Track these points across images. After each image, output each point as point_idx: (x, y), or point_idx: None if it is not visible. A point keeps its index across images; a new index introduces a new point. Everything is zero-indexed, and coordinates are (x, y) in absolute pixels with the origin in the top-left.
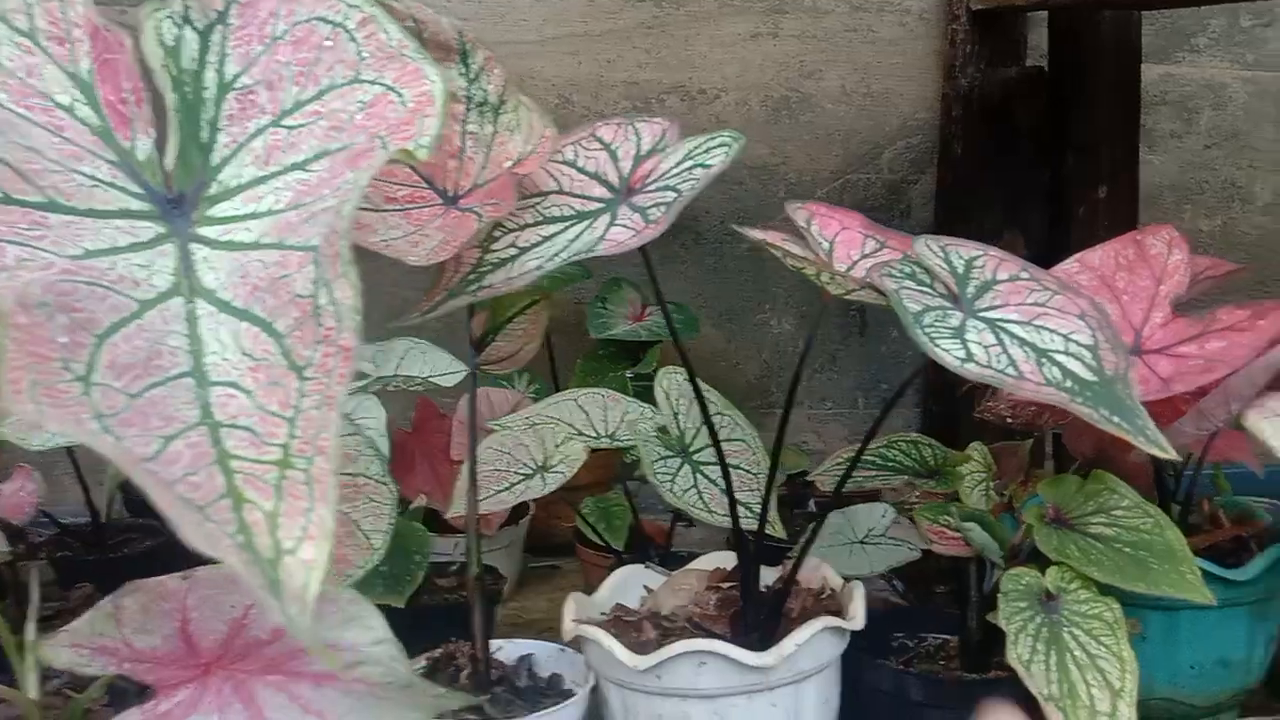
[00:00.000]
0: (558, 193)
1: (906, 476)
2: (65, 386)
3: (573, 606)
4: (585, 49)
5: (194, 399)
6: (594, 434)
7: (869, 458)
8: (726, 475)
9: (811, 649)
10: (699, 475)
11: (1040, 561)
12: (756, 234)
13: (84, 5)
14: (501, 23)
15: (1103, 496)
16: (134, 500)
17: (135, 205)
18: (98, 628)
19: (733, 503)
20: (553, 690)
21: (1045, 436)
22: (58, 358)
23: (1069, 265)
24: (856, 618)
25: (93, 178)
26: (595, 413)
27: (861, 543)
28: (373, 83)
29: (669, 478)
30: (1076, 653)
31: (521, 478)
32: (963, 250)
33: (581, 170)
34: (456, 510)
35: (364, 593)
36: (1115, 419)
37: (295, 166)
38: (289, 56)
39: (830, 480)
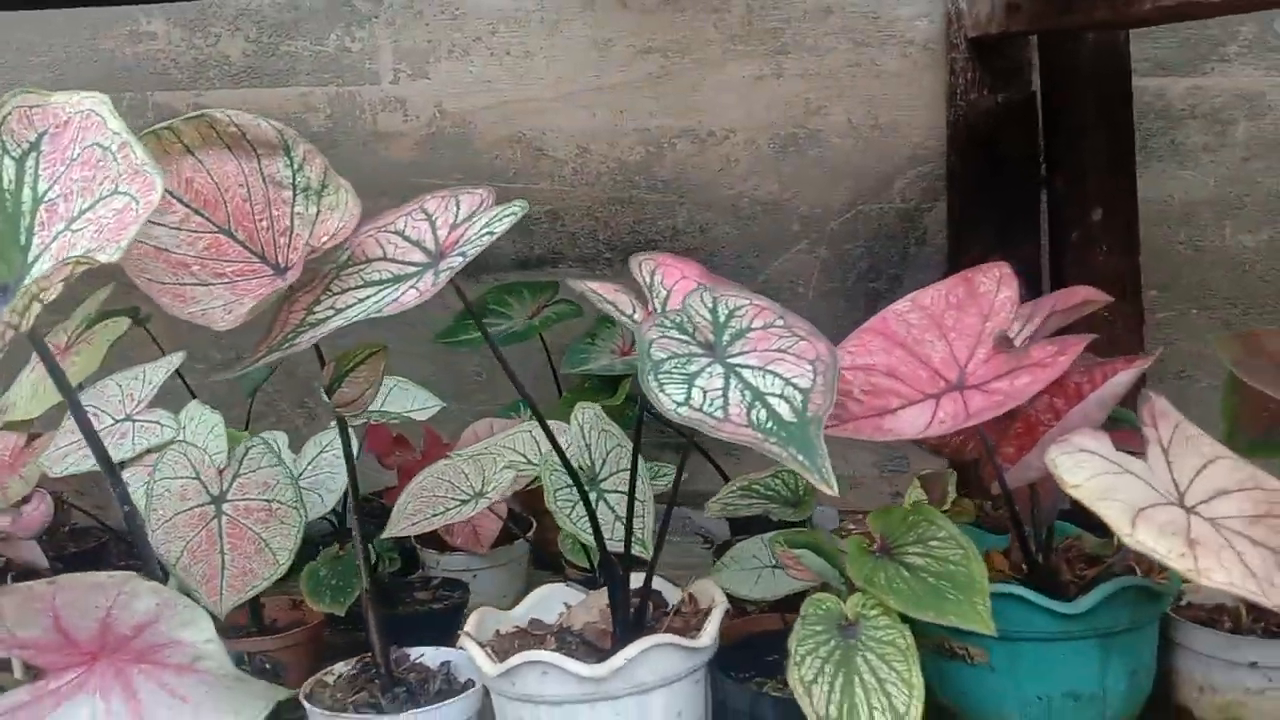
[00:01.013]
0: (382, 259)
1: (778, 505)
2: None
3: (476, 619)
4: (599, 101)
5: None
6: (534, 464)
7: (756, 486)
8: (586, 503)
9: (650, 663)
10: (602, 503)
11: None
12: (584, 285)
13: None
14: (521, 81)
15: (922, 527)
16: None
17: None
18: None
19: (594, 522)
20: (451, 691)
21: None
22: None
23: (902, 305)
24: (704, 637)
25: None
26: (545, 444)
27: (773, 568)
28: (124, 194)
29: (570, 505)
30: (866, 676)
31: (457, 503)
32: (730, 300)
33: (406, 238)
34: (391, 532)
35: (315, 600)
36: (800, 457)
37: (69, 262)
38: (79, 174)
39: (721, 510)
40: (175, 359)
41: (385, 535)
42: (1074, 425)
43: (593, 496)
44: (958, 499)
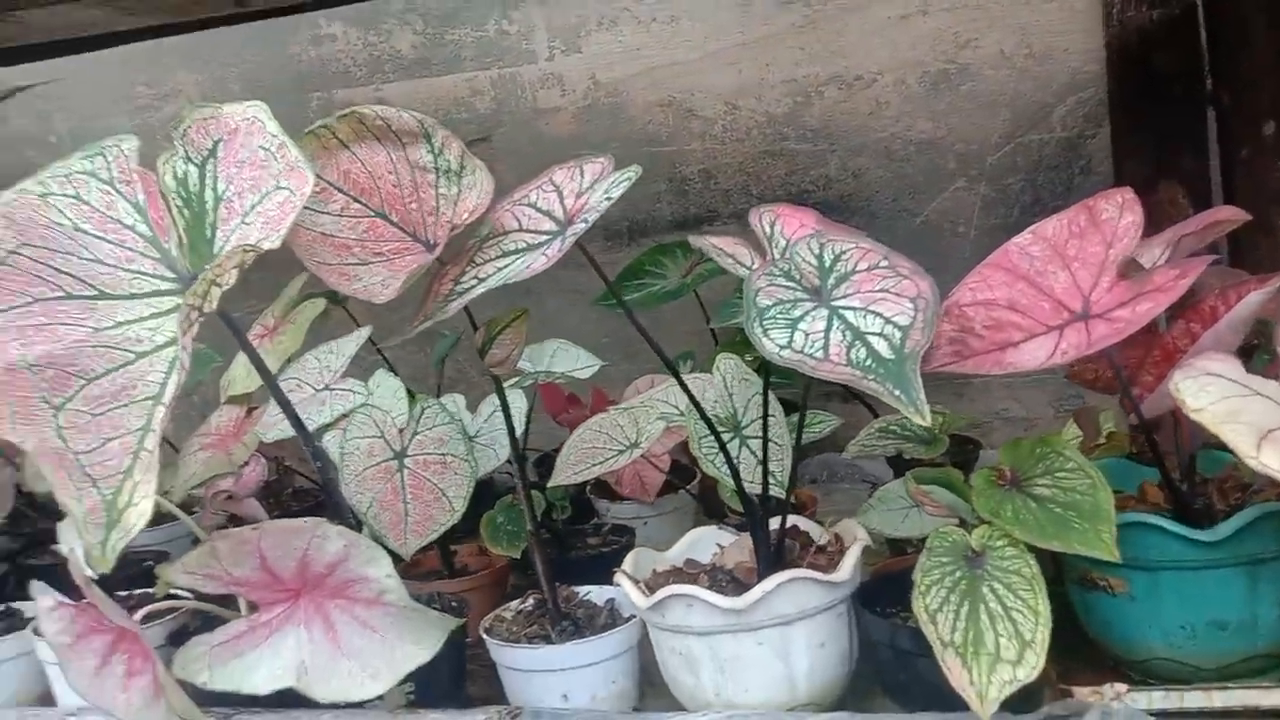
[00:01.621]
0: (518, 230)
1: (911, 444)
2: (37, 413)
3: (633, 558)
4: (744, 57)
5: (145, 413)
6: (681, 414)
7: (892, 427)
8: (727, 454)
9: (789, 596)
10: (744, 449)
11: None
12: (704, 241)
13: (137, 159)
14: (668, 45)
15: (1050, 459)
16: None
17: (164, 286)
18: (203, 561)
19: (732, 465)
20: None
21: None
22: (39, 395)
23: (1023, 238)
24: (841, 571)
25: (138, 271)
26: (698, 393)
27: (919, 507)
28: (284, 188)
29: (714, 452)
30: (992, 604)
31: (614, 453)
32: (836, 245)
33: (538, 209)
34: (555, 481)
35: (493, 546)
36: (896, 392)
37: (246, 249)
38: (248, 174)
39: (859, 451)
40: (363, 333)
41: (551, 484)
42: (1206, 348)
43: (736, 443)
44: (1113, 432)
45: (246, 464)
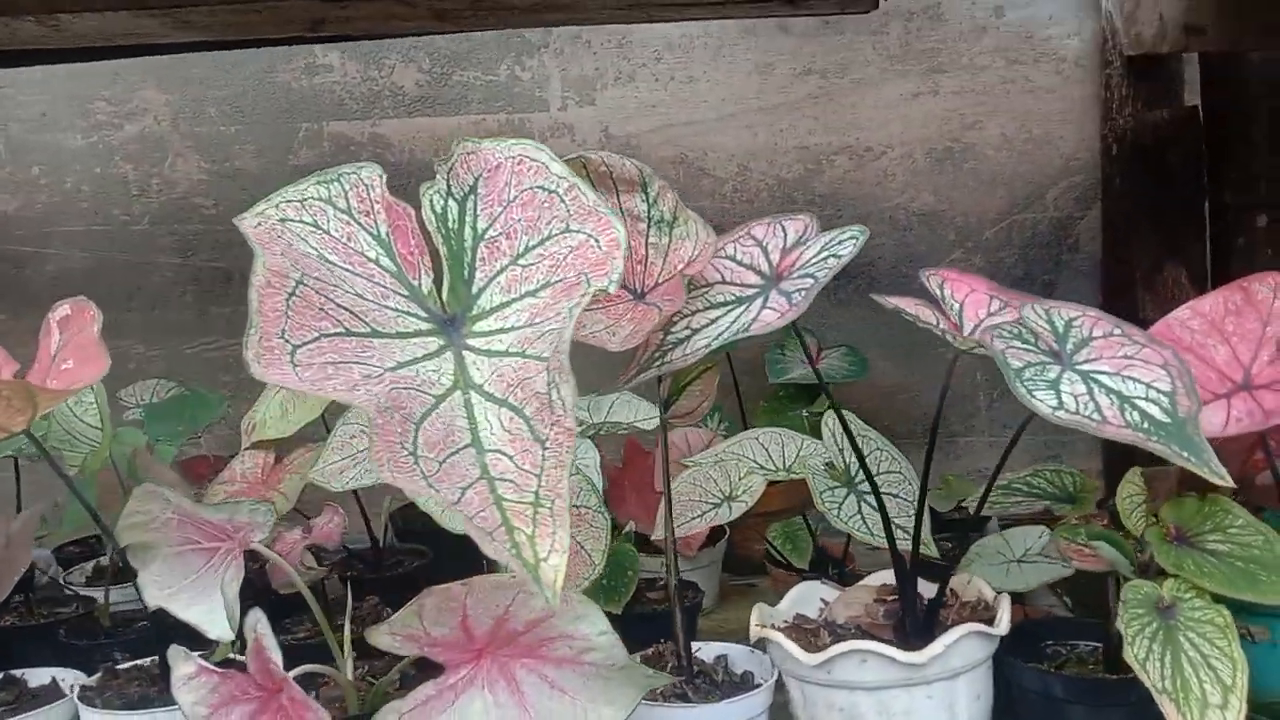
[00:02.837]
0: (721, 283)
1: (1047, 503)
2: (404, 460)
3: (758, 614)
4: (760, 121)
5: (475, 462)
6: (773, 468)
7: (1017, 485)
8: (880, 502)
9: (961, 650)
10: (862, 503)
11: (1165, 576)
12: (893, 301)
13: (380, 188)
14: (685, 105)
15: (1218, 517)
16: (401, 529)
17: (423, 326)
18: (407, 621)
19: (888, 525)
20: (745, 684)
21: None
22: (398, 441)
23: (1181, 313)
24: (1002, 623)
25: (395, 309)
26: (774, 449)
27: (1019, 561)
28: (578, 232)
29: (836, 505)
30: (1190, 653)
31: (711, 506)
32: (1064, 312)
33: (739, 263)
34: (659, 534)
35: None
36: (1184, 454)
37: (529, 294)
38: (520, 214)
39: (986, 508)
40: None
41: (655, 537)
42: None
43: (852, 498)
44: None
45: (321, 514)
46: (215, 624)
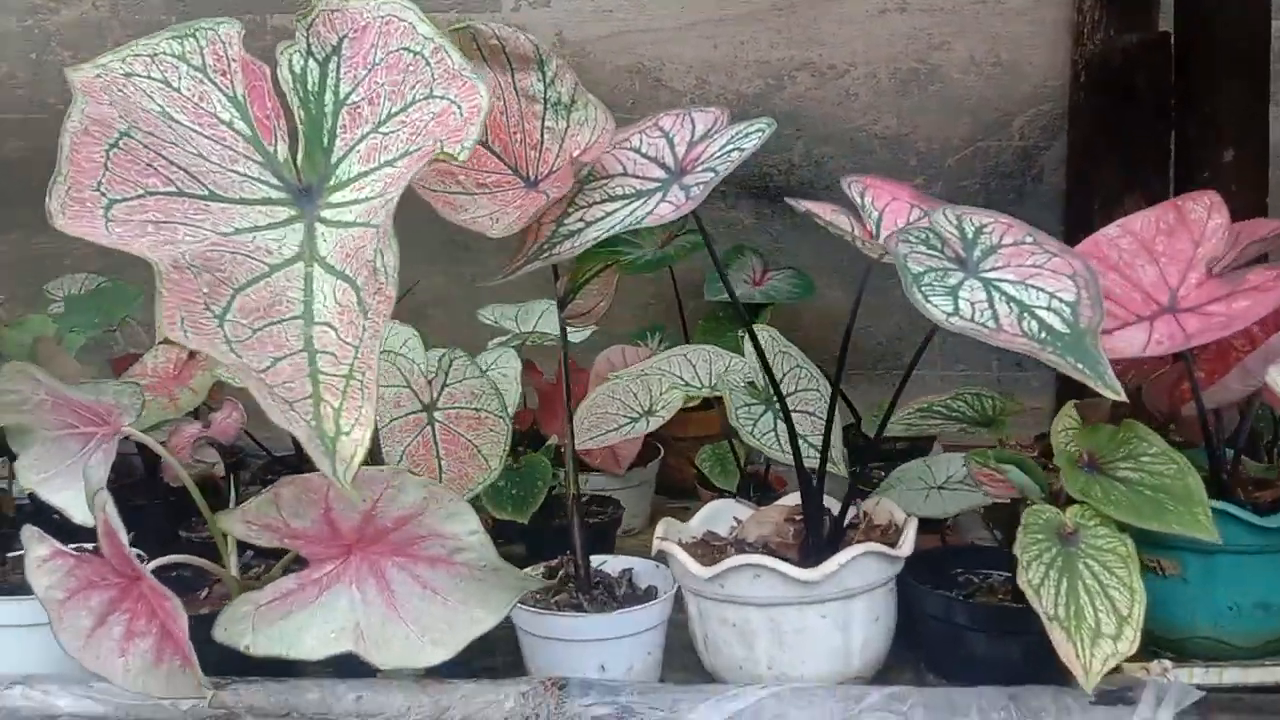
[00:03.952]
0: (623, 175)
1: (963, 425)
2: (205, 321)
3: (662, 528)
4: (720, 33)
5: (300, 334)
6: (698, 384)
7: (937, 407)
8: (787, 416)
9: (857, 569)
10: (778, 421)
11: (1073, 504)
12: (805, 205)
13: (238, 46)
14: (643, 13)
15: (1132, 444)
16: None
17: (274, 194)
18: (262, 509)
19: (794, 440)
20: (648, 597)
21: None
22: (203, 302)
23: (1110, 230)
24: (905, 545)
25: (244, 174)
26: (701, 366)
27: (939, 488)
28: (441, 97)
29: (751, 422)
30: (1088, 581)
31: (629, 420)
32: (974, 218)
33: (643, 155)
34: (579, 445)
35: (496, 509)
36: (1079, 366)
37: (386, 164)
38: (384, 78)
39: (904, 429)
40: None
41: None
42: (1277, 348)
43: (769, 416)
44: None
45: (220, 409)
46: (80, 508)
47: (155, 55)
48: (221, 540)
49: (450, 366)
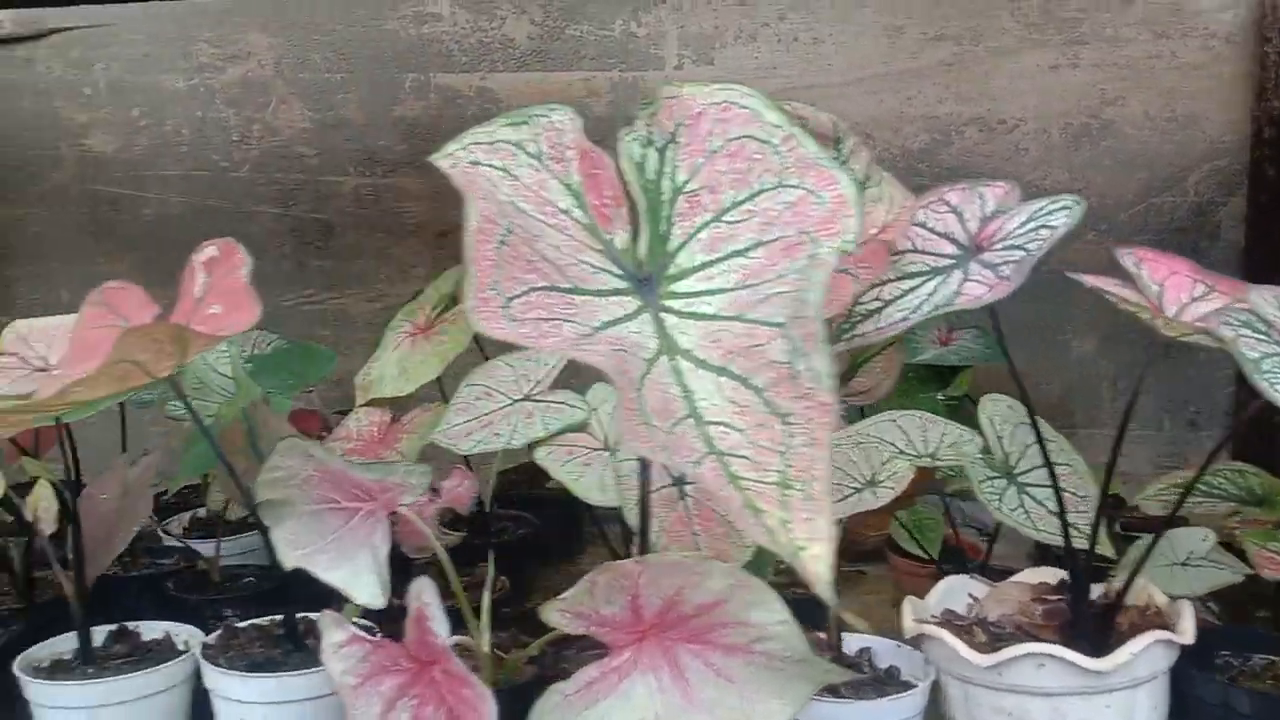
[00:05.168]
0: (912, 251)
1: (1232, 504)
2: (639, 427)
3: (911, 609)
4: (886, 88)
5: (698, 434)
6: (915, 453)
7: (1200, 485)
8: (1059, 496)
9: (1146, 658)
10: (1024, 496)
11: None
12: (1092, 281)
13: (573, 133)
14: (809, 68)
15: None
16: (497, 495)
17: (619, 284)
18: (579, 599)
19: (1064, 519)
20: (891, 680)
21: None
22: (634, 407)
23: None
24: (1187, 633)
25: (589, 265)
26: (915, 433)
27: (1183, 564)
28: (795, 186)
29: (996, 496)
30: None
31: (854, 490)
32: None
33: (932, 230)
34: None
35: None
36: None
37: (736, 254)
38: (726, 166)
39: (1159, 505)
40: None
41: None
42: None
43: (1013, 490)
44: None
45: (449, 477)
46: (362, 587)
47: (494, 143)
48: (471, 614)
49: None
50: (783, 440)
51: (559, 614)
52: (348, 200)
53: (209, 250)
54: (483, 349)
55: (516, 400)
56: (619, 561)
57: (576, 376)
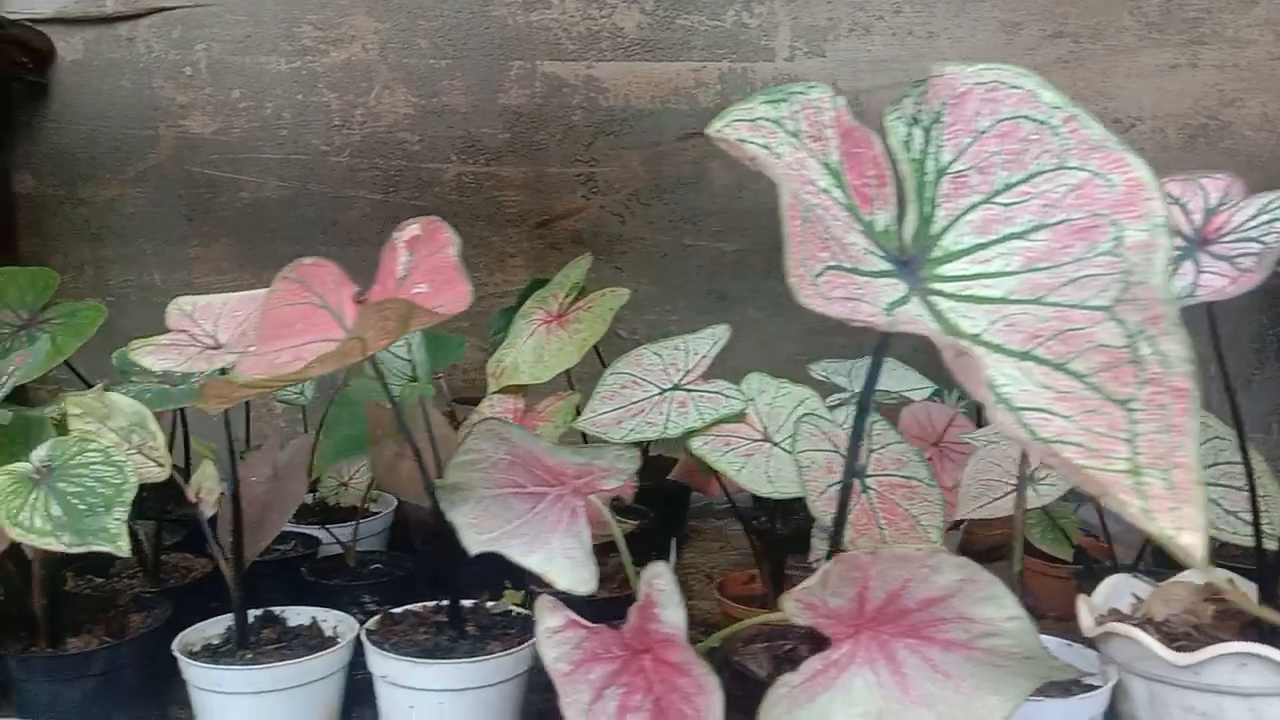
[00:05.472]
0: None
1: None
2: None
3: (1088, 607)
4: None
5: (1016, 422)
6: None
7: None
8: (1254, 495)
9: None
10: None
11: None
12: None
13: (832, 111)
14: (922, 63)
15: None
16: None
17: (884, 266)
18: (812, 589)
19: (1256, 517)
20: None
21: None
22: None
23: None
24: None
25: (859, 246)
26: None
27: None
28: (1077, 169)
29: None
30: None
31: (1012, 488)
32: None
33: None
34: (962, 513)
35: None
36: None
37: (1014, 236)
38: (996, 146)
39: None
40: (721, 331)
41: (959, 516)
42: None
43: None
44: None
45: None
46: (560, 572)
47: (754, 120)
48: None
49: (872, 431)
50: (1126, 427)
51: (794, 604)
52: (448, 188)
53: (411, 228)
54: (597, 350)
55: (667, 389)
56: (852, 552)
57: (718, 367)
